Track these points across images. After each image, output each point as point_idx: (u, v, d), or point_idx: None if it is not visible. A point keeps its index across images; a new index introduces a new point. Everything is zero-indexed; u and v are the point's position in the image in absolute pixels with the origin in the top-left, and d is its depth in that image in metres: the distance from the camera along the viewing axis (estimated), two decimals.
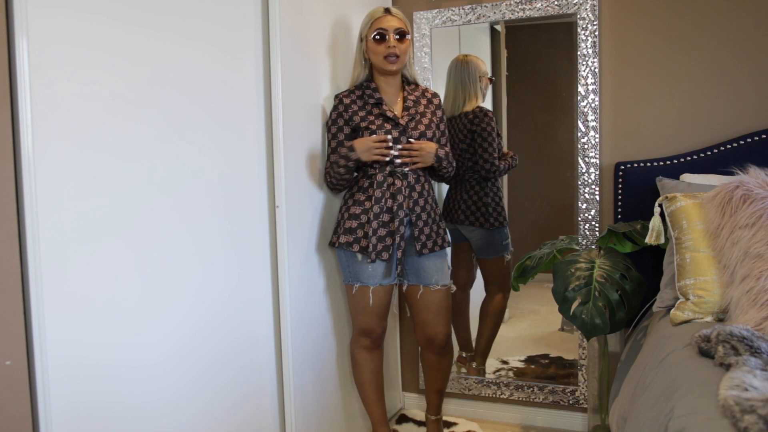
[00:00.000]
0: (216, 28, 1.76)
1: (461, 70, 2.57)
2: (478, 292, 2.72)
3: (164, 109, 1.58)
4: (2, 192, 1.25)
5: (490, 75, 2.62)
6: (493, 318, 2.71)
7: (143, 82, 1.52)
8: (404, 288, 2.21)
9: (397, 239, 2.08)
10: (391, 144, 2.05)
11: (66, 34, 1.33)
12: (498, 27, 2.63)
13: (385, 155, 2.05)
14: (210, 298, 1.75)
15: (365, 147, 2.03)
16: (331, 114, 2.16)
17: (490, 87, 2.62)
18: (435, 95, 2.24)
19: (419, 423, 2.61)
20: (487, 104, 2.63)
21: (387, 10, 2.10)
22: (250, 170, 1.91)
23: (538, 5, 2.40)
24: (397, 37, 2.07)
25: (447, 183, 2.62)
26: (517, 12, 2.44)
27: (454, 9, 2.54)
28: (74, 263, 1.35)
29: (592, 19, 2.32)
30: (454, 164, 2.25)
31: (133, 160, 1.49)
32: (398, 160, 2.08)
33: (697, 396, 1.15)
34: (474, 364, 2.72)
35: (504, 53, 2.66)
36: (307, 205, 2.09)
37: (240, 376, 1.87)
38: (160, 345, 1.58)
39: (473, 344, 2.76)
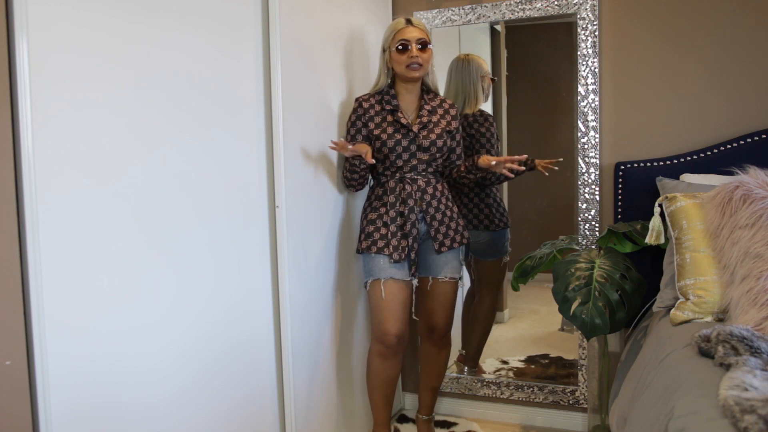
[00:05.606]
0: (216, 27, 1.76)
1: (462, 69, 2.56)
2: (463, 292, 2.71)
3: (164, 108, 1.58)
4: (2, 192, 1.25)
5: (492, 75, 2.62)
6: (483, 323, 2.72)
7: (143, 82, 1.52)
8: (416, 283, 2.25)
9: (410, 241, 2.14)
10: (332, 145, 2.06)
11: (66, 34, 1.33)
12: (498, 27, 2.63)
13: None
14: (211, 298, 1.75)
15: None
16: (350, 116, 2.22)
17: (491, 87, 2.62)
18: (452, 106, 2.29)
19: None
20: (487, 105, 2.62)
21: (408, 21, 2.15)
22: (250, 170, 1.91)
23: (538, 5, 2.40)
24: (419, 47, 2.12)
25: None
26: (517, 12, 2.44)
27: (454, 9, 2.54)
28: (74, 263, 1.35)
29: (592, 19, 2.32)
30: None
31: (133, 160, 1.49)
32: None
33: (697, 396, 1.15)
34: (466, 369, 2.72)
35: (504, 53, 2.66)
36: (307, 205, 2.09)
37: (240, 377, 1.87)
38: (160, 345, 1.58)
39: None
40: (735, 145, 2.14)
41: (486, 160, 2.14)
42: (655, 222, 1.90)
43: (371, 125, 2.16)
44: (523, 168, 2.13)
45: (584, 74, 2.34)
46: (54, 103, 1.30)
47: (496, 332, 2.80)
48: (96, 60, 1.39)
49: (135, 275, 1.50)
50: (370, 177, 2.30)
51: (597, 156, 2.35)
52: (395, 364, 2.22)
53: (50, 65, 1.29)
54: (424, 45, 2.13)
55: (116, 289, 1.45)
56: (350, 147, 2.00)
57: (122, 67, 1.46)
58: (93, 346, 1.40)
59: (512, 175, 2.13)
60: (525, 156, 2.10)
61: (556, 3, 2.37)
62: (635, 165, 2.27)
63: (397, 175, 2.17)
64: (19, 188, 1.26)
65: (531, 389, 2.56)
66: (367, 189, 2.35)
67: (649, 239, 1.92)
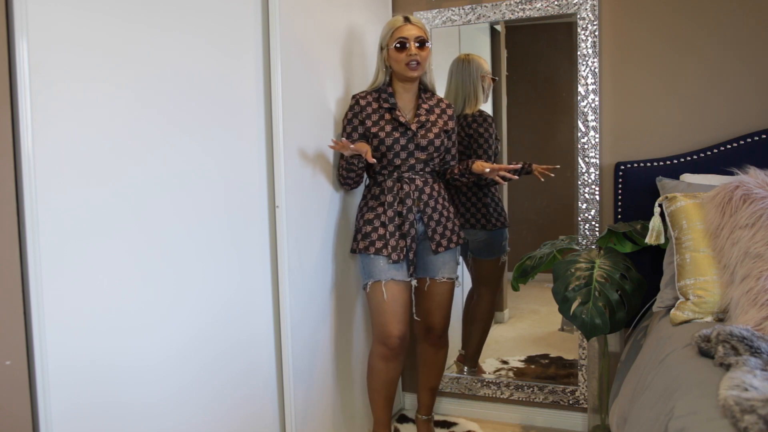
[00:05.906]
0: (216, 27, 1.76)
1: (462, 69, 2.56)
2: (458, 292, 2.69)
3: (164, 109, 1.58)
4: (2, 192, 1.25)
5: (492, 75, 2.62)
6: (482, 323, 2.72)
7: (143, 82, 1.52)
8: (415, 284, 2.24)
9: (408, 241, 2.13)
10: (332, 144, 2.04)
11: (66, 34, 1.33)
12: (498, 27, 2.63)
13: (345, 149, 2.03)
14: (211, 298, 1.75)
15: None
16: (347, 113, 2.20)
17: (492, 87, 2.62)
18: (449, 106, 2.28)
19: None
20: (487, 105, 2.62)
21: (407, 19, 2.13)
22: (250, 170, 1.91)
23: (538, 5, 2.40)
24: (418, 45, 2.11)
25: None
26: (517, 12, 2.44)
27: (454, 9, 2.54)
28: (74, 264, 1.35)
29: (592, 19, 2.31)
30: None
31: (133, 161, 1.49)
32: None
33: (697, 396, 1.15)
34: (466, 369, 2.72)
35: (504, 53, 2.66)
36: (307, 205, 2.09)
37: (240, 377, 1.87)
38: (160, 345, 1.58)
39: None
40: (735, 145, 2.14)
41: (480, 166, 2.14)
42: (655, 222, 1.90)
43: (368, 123, 2.15)
44: (516, 177, 2.14)
45: (584, 74, 2.34)
46: (54, 103, 1.30)
47: (496, 332, 2.80)
48: (96, 60, 1.39)
49: (135, 275, 1.50)
50: (365, 175, 2.30)
51: (597, 156, 2.35)
52: (397, 366, 2.21)
53: (50, 65, 1.29)
54: (422, 43, 2.11)
55: (116, 289, 1.45)
56: (351, 146, 2.00)
57: (122, 67, 1.46)
58: (93, 346, 1.40)
59: (503, 182, 2.17)
60: (518, 165, 2.14)
61: (556, 3, 2.37)
62: (635, 165, 2.27)
63: (395, 174, 2.16)
64: (19, 188, 1.27)
65: (531, 389, 2.56)
66: (362, 188, 2.35)
67: (649, 239, 1.92)
